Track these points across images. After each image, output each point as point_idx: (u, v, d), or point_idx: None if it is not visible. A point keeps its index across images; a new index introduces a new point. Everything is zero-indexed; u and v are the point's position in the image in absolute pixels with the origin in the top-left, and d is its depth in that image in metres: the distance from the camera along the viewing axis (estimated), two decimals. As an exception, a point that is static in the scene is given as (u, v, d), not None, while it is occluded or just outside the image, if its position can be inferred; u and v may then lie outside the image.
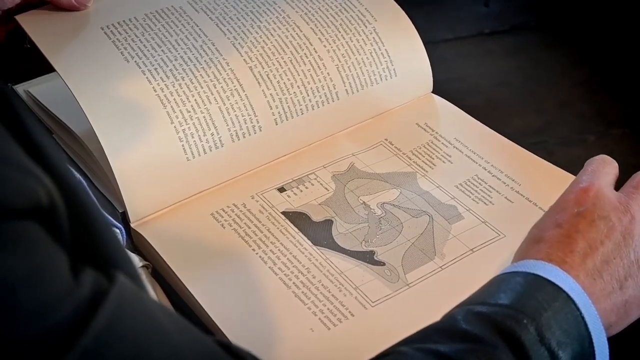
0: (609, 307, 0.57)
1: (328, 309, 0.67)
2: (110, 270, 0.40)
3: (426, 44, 0.89)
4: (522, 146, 0.83)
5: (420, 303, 0.67)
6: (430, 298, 0.68)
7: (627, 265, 0.59)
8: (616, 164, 0.66)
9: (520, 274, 0.57)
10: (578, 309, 0.54)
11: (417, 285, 0.69)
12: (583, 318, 0.54)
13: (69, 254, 0.39)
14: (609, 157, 0.67)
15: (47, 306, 0.36)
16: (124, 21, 0.80)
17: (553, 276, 0.56)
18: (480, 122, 0.86)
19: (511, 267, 0.58)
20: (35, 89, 0.85)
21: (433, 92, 0.89)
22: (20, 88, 0.86)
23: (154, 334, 0.40)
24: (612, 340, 0.57)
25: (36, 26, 0.76)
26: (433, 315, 0.56)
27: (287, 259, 0.71)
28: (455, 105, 0.89)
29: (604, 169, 0.64)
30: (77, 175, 0.69)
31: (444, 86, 0.91)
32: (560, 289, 0.55)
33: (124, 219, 0.74)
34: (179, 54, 0.78)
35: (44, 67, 0.76)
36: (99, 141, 0.72)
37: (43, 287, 0.36)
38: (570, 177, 0.78)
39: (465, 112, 0.87)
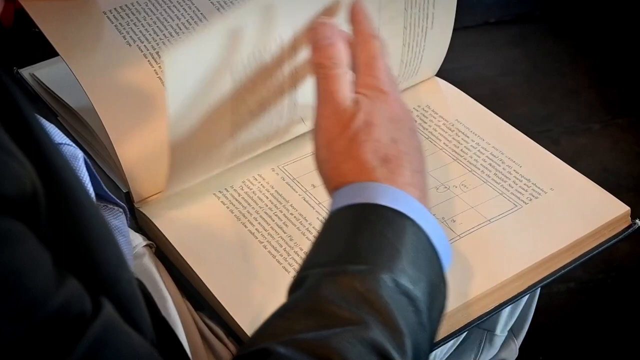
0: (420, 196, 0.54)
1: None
2: (96, 292, 0.40)
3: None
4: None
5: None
6: None
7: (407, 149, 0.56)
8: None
9: (368, 208, 0.52)
10: (425, 234, 0.51)
11: None
12: (430, 240, 0.51)
13: (50, 248, 0.39)
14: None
15: (28, 305, 0.36)
16: (126, 5, 0.81)
17: (400, 204, 0.52)
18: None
19: (350, 197, 0.53)
20: (40, 72, 0.86)
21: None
22: (25, 71, 0.87)
23: None
24: (611, 340, 0.56)
25: (40, 8, 0.77)
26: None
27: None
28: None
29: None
30: (81, 153, 0.69)
31: (451, 75, 0.91)
32: (406, 216, 0.52)
33: (128, 198, 0.75)
34: (180, 38, 0.79)
35: (50, 50, 0.76)
36: (103, 124, 0.73)
37: (23, 288, 0.36)
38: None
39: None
